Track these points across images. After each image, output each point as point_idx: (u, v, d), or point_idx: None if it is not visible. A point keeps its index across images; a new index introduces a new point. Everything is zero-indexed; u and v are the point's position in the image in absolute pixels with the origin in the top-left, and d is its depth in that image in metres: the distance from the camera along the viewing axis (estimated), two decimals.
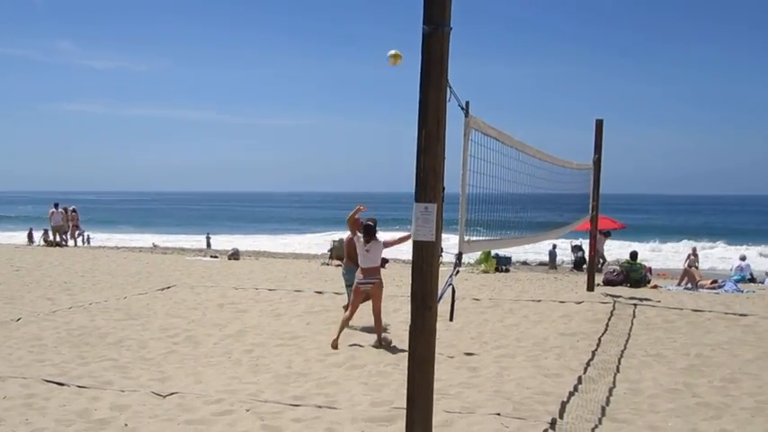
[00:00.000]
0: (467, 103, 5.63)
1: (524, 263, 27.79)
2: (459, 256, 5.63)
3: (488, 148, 6.66)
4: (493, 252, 21.23)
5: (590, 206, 15.27)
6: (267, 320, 11.42)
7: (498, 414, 6.32)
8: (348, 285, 10.81)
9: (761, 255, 37.53)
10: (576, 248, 24.74)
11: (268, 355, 9.06)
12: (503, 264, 21.74)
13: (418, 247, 4.68)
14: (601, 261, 24.69)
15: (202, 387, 7.45)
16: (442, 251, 4.88)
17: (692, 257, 22.98)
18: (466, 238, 5.95)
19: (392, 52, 10.18)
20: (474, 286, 15.85)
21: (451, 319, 5.81)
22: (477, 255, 21.11)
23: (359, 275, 9.68)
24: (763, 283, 20.38)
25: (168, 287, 15.05)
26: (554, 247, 25.66)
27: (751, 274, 21.19)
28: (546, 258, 26.91)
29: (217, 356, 8.98)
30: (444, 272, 5.68)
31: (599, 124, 15.19)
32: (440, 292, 4.95)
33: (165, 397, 7.02)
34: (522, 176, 9.01)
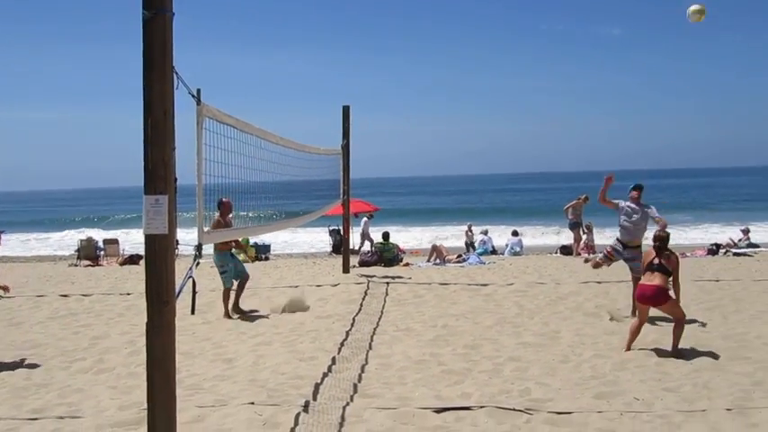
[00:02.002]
0: (198, 90, 5.49)
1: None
2: (198, 247, 5.51)
3: (226, 136, 6.56)
4: (252, 241, 21.13)
5: (341, 190, 15.66)
6: (3, 331, 10.49)
7: (252, 403, 6.29)
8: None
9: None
10: (334, 232, 25.23)
11: (3, 368, 8.32)
12: (262, 252, 21.71)
13: (151, 240, 4.50)
14: (369, 243, 25.45)
15: None
16: (177, 243, 4.74)
17: (469, 233, 24.50)
18: (205, 228, 5.84)
19: (695, 8, 9.68)
20: None
21: (193, 312, 5.67)
22: None
23: None
24: (503, 254, 22.10)
25: None
26: (331, 231, 25.67)
27: (493, 247, 22.91)
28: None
29: None
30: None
31: (346, 111, 15.58)
32: (179, 285, 4.82)
33: None
34: (266, 164, 8.99)
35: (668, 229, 9.07)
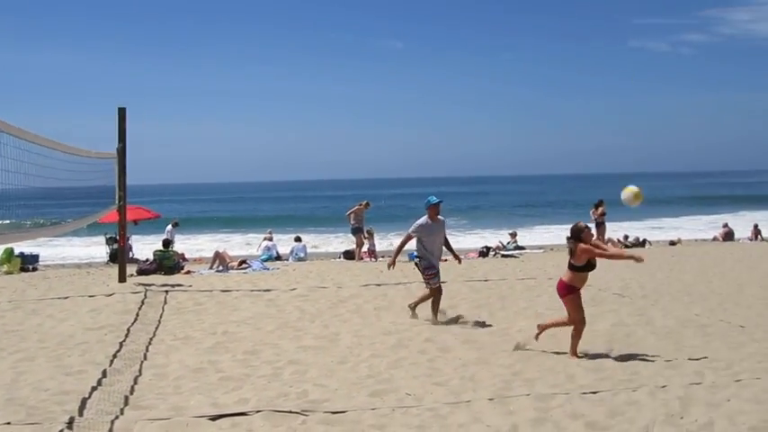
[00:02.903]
0: None
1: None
2: None
3: None
4: (17, 250, 19.62)
5: (116, 196, 14.95)
6: None
7: (8, 423, 5.82)
8: None
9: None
10: (111, 240, 23.99)
11: None
12: (29, 263, 20.17)
13: None
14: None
15: None
16: None
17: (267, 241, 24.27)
18: None
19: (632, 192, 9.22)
20: None
21: None
22: None
23: None
24: (287, 260, 22.14)
25: None
26: (108, 239, 24.32)
27: (277, 253, 22.90)
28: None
29: None
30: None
31: (121, 112, 14.91)
32: None
33: None
34: (28, 167, 8.35)
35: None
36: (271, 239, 23.59)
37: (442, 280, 10.58)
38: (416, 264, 10.67)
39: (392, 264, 10.69)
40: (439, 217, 10.51)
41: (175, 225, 25.31)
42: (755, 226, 29.21)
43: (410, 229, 10.51)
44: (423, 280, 10.71)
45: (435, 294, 10.43)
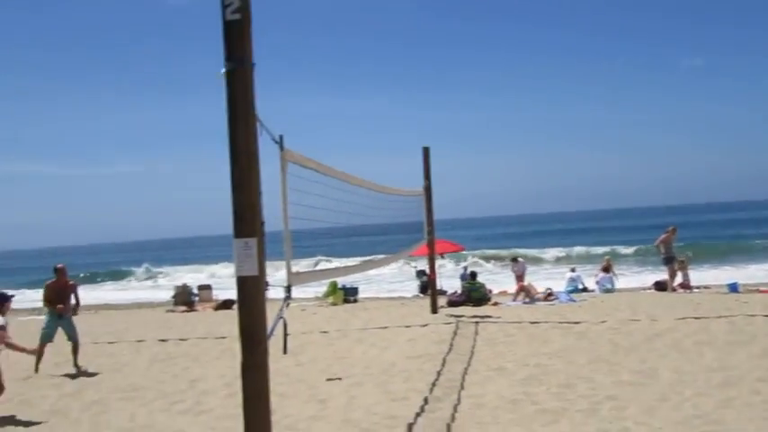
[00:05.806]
0: (280, 136, 5.67)
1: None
2: (288, 288, 5.60)
3: (310, 180, 6.70)
4: (340, 284, 21.32)
5: (425, 230, 15.67)
6: (107, 375, 10.84)
7: None
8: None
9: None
10: (421, 273, 25.16)
11: (108, 410, 8.60)
12: (350, 295, 21.84)
13: (242, 282, 4.62)
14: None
15: None
16: (267, 285, 4.84)
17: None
18: (294, 269, 5.95)
19: None
20: (322, 319, 15.84)
21: (285, 352, 5.74)
22: (325, 288, 21.15)
23: None
24: (594, 291, 21.58)
25: None
26: (417, 272, 25.68)
27: (583, 284, 22.42)
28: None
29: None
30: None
31: (426, 152, 15.65)
32: (270, 326, 4.90)
33: None
34: (350, 206, 9.12)
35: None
36: (574, 270, 23.24)
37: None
38: None
39: None
40: None
41: (514, 260, 25.01)
42: None
43: None
44: None
45: None
